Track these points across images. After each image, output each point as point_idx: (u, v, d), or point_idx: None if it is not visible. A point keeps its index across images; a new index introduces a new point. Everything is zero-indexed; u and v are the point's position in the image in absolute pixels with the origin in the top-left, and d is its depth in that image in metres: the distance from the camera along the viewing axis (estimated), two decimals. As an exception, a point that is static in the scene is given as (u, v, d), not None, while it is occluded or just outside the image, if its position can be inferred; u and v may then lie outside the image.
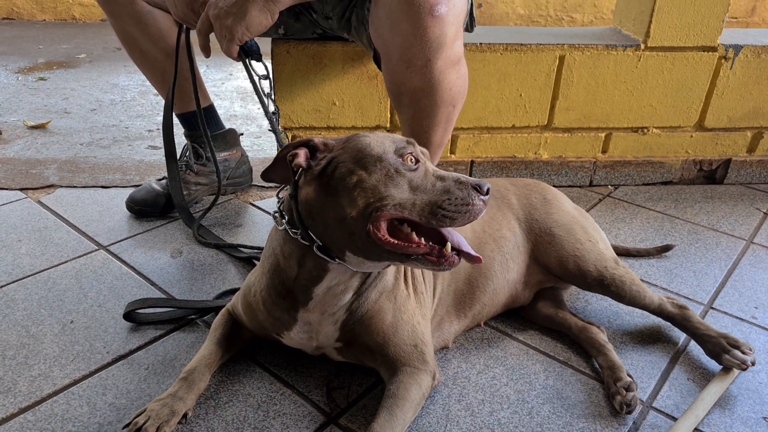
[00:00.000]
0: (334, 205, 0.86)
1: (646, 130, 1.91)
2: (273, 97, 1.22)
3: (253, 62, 1.23)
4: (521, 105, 1.80)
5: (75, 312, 1.22)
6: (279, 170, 0.92)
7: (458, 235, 0.88)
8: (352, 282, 0.95)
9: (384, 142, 0.87)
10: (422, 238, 0.85)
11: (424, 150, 0.94)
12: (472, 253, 0.86)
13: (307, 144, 0.90)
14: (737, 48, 1.81)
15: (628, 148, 1.93)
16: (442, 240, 0.87)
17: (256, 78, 1.22)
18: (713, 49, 1.80)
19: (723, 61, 1.82)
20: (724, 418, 1.01)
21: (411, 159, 0.86)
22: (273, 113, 1.21)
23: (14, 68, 3.13)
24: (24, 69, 3.13)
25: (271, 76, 1.24)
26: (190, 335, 1.17)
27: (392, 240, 0.84)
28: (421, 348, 1.00)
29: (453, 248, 0.86)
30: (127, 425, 0.91)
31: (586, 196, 1.87)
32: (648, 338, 1.21)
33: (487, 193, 0.85)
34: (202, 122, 1.46)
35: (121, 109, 2.57)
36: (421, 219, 0.83)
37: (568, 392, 1.06)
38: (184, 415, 0.94)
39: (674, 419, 1.01)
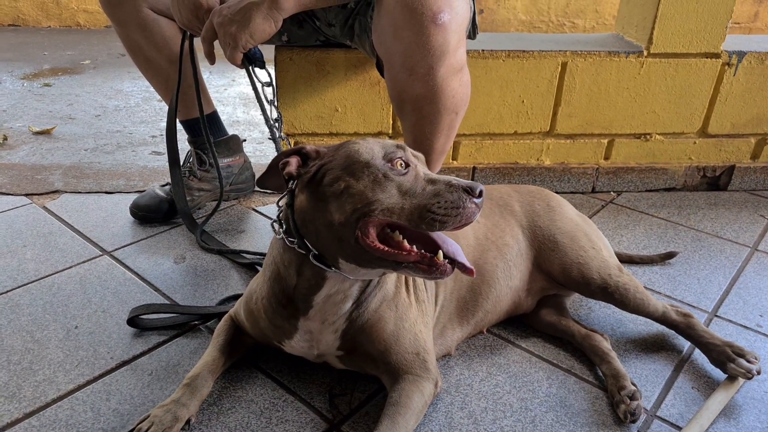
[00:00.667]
0: (324, 212, 0.86)
1: (649, 137, 1.91)
2: (276, 104, 1.23)
3: (257, 69, 1.24)
4: (523, 111, 1.80)
5: (79, 317, 1.23)
6: (273, 178, 0.94)
7: (454, 244, 0.87)
8: (351, 291, 0.95)
9: (373, 148, 0.87)
10: (414, 246, 0.84)
11: (418, 154, 0.93)
12: (467, 264, 0.85)
13: (299, 152, 0.91)
14: (741, 54, 1.81)
15: (631, 155, 1.93)
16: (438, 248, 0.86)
17: (258, 86, 1.23)
18: (716, 55, 1.80)
19: (726, 67, 1.82)
20: (729, 428, 1.01)
21: (400, 163, 0.86)
22: (275, 120, 1.22)
23: (20, 74, 3.15)
24: (29, 75, 3.15)
25: (274, 83, 1.24)
26: (193, 341, 1.17)
27: (381, 246, 0.84)
28: (423, 356, 1.00)
29: (445, 256, 0.85)
30: (131, 430, 0.91)
31: (589, 202, 1.87)
32: (652, 346, 1.20)
33: (480, 195, 0.83)
34: (204, 129, 1.47)
35: (125, 115, 2.58)
36: (410, 223, 0.83)
37: (572, 400, 1.06)
38: (187, 422, 0.94)
39: (679, 428, 1.01)
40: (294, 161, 0.90)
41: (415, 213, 0.82)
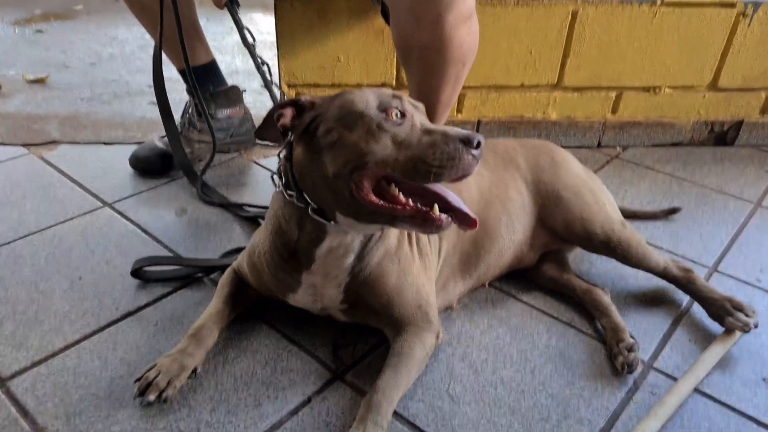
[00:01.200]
0: (319, 164, 0.85)
1: (658, 90, 1.87)
2: (255, 49, 1.22)
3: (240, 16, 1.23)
4: (531, 63, 1.76)
5: (83, 269, 1.24)
6: (270, 129, 0.92)
7: (455, 197, 0.85)
8: (353, 245, 0.95)
9: (368, 98, 0.85)
10: (410, 200, 0.83)
11: (417, 103, 0.90)
12: (470, 213, 0.83)
13: (295, 103, 0.89)
14: (756, 4, 1.75)
15: (639, 109, 1.90)
16: (441, 201, 0.84)
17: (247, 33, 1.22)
18: (732, 5, 1.75)
19: (741, 18, 1.77)
20: (724, 379, 1.04)
21: (396, 113, 0.83)
22: (263, 63, 1.20)
23: (10, 20, 3.06)
24: (20, 21, 3.06)
25: (244, 26, 1.26)
26: (197, 293, 1.19)
27: (376, 200, 0.82)
28: (425, 308, 1.01)
29: (443, 209, 0.82)
30: (139, 379, 0.93)
31: (594, 157, 1.86)
32: (652, 300, 1.22)
33: (478, 146, 0.80)
34: (190, 77, 1.45)
35: (120, 63, 2.53)
36: (404, 176, 0.81)
37: (571, 352, 1.08)
38: (194, 370, 0.97)
39: (675, 379, 1.03)
40: (288, 113, 0.89)
41: (410, 164, 0.80)
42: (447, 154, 0.79)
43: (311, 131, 0.87)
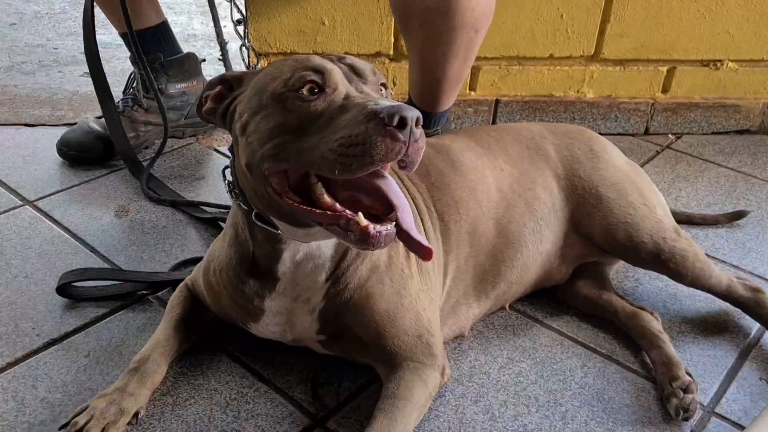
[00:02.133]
0: (237, 156, 0.86)
1: (719, 64, 1.88)
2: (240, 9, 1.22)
3: None
4: (562, 29, 1.77)
5: (-5, 284, 1.22)
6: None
7: (399, 198, 0.79)
8: (320, 259, 0.93)
9: (281, 70, 0.83)
10: (337, 203, 0.78)
11: (364, 66, 0.85)
12: (417, 237, 0.76)
13: (222, 80, 0.90)
14: (843, -42, 1.76)
15: (696, 87, 1.91)
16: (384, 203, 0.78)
17: None
18: (812, -42, 1.76)
19: (824, -26, 1.78)
20: (802, 428, 1.03)
21: (310, 88, 0.79)
22: (239, 21, 1.20)
23: None
24: None
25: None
26: (140, 315, 1.17)
27: (287, 201, 0.81)
28: (427, 339, 1.00)
29: (368, 216, 0.76)
30: (65, 425, 0.91)
31: (640, 147, 1.86)
32: (713, 328, 1.22)
33: (403, 125, 0.71)
34: (134, 42, 1.45)
35: (47, 25, 2.52)
36: (311, 168, 0.78)
37: (612, 393, 1.07)
38: (135, 414, 0.95)
39: (741, 428, 1.02)
40: (213, 93, 0.90)
41: (311, 155, 0.76)
42: (354, 139, 0.73)
43: (230, 115, 0.88)
